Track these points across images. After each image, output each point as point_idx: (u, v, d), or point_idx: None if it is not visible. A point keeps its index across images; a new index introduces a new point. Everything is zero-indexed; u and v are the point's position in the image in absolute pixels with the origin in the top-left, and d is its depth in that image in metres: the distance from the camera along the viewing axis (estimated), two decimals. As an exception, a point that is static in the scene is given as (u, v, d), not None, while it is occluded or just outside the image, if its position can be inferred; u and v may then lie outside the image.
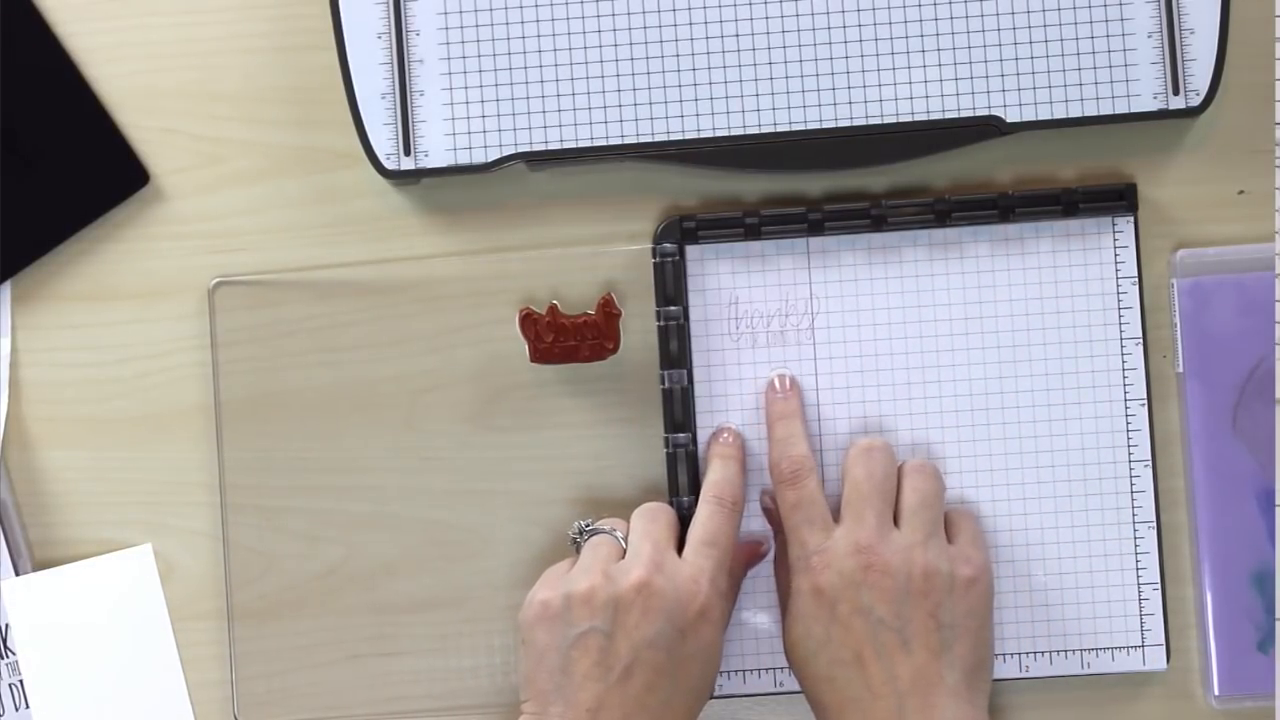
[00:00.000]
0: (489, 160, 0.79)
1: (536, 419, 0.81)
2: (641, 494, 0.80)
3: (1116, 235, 0.80)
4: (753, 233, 0.80)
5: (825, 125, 0.79)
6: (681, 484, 0.79)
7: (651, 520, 0.76)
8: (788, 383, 0.79)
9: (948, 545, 0.75)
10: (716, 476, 0.78)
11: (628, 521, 0.77)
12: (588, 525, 0.77)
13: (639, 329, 0.81)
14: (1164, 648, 0.79)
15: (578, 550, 0.77)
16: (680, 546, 0.76)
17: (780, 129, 0.79)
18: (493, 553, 0.81)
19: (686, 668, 0.73)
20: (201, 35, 0.82)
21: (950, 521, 0.77)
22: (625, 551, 0.75)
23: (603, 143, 0.79)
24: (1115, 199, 0.79)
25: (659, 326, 0.80)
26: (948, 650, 0.73)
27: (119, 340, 0.82)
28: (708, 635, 0.73)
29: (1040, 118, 0.79)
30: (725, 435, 0.79)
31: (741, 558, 0.79)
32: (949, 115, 0.79)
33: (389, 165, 0.80)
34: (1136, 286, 0.80)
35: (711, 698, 0.79)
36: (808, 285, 0.80)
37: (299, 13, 0.82)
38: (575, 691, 0.71)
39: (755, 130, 0.79)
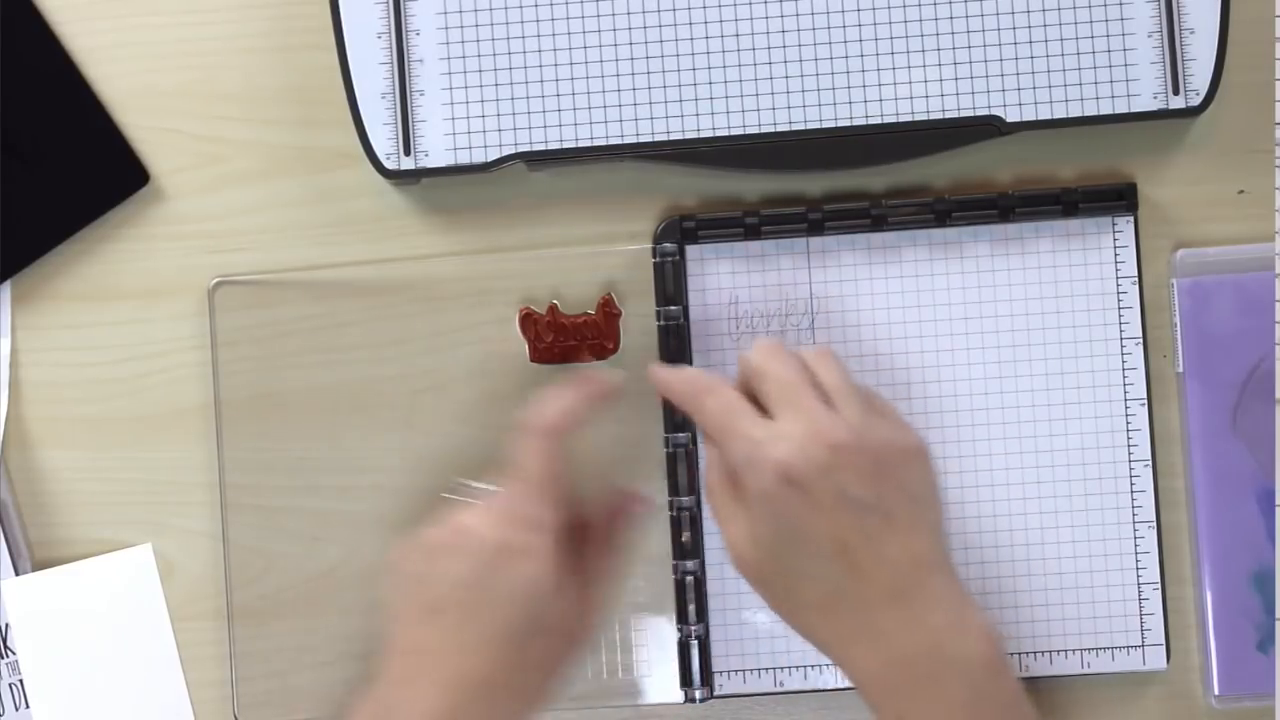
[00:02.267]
0: (489, 160, 0.79)
1: (536, 419, 0.81)
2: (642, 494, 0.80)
3: (1116, 235, 0.80)
4: (753, 233, 0.80)
5: (825, 125, 0.79)
6: (681, 484, 0.79)
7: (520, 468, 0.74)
8: (660, 365, 0.77)
9: (882, 418, 0.71)
10: (539, 402, 0.74)
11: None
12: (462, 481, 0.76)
13: (639, 329, 0.81)
14: (1164, 648, 0.79)
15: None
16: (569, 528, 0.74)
17: (780, 129, 0.79)
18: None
19: (500, 604, 0.70)
20: (201, 35, 0.82)
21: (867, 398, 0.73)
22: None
23: (603, 143, 0.79)
24: (1115, 199, 0.79)
25: (659, 326, 0.80)
26: (922, 520, 0.69)
27: (119, 340, 0.82)
28: (522, 570, 0.70)
29: (1040, 118, 0.79)
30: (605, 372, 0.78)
31: (623, 504, 0.77)
32: (949, 115, 0.79)
33: (389, 165, 0.80)
34: (1136, 286, 0.80)
35: (713, 696, 0.79)
36: (808, 285, 0.80)
37: (299, 13, 0.82)
38: (393, 636, 0.72)
39: (755, 130, 0.79)
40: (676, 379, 0.74)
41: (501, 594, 0.70)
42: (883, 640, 0.68)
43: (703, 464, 0.75)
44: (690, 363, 0.80)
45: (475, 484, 0.76)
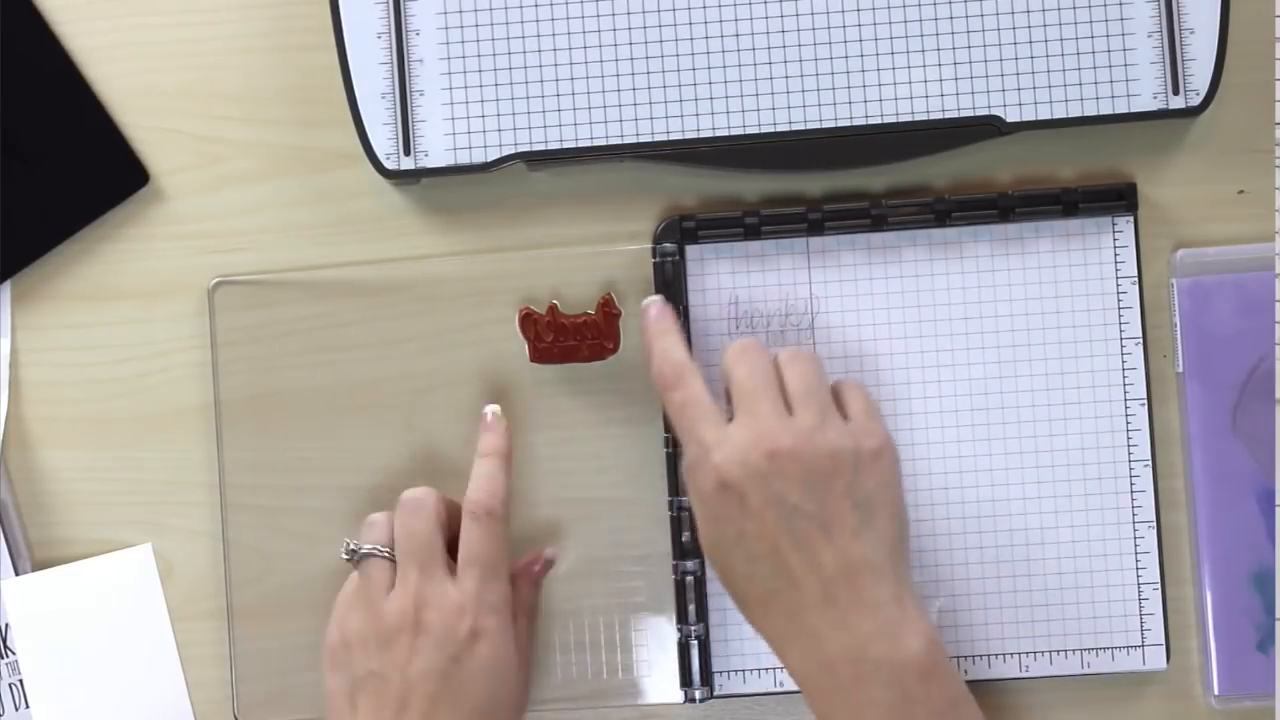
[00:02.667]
0: (489, 160, 0.79)
1: (536, 419, 0.81)
2: (642, 494, 0.80)
3: (1116, 235, 0.80)
4: (753, 233, 0.80)
5: (825, 125, 0.79)
6: (682, 484, 0.79)
7: (410, 535, 0.74)
8: (659, 306, 0.77)
9: (844, 422, 0.73)
10: (473, 485, 0.76)
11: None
12: (354, 546, 0.75)
13: (639, 329, 0.80)
14: (1164, 648, 0.79)
15: (353, 564, 0.76)
16: (453, 535, 0.75)
17: (780, 129, 0.79)
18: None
19: (468, 689, 0.72)
20: (201, 35, 0.82)
21: (840, 397, 0.74)
22: (396, 572, 0.74)
23: (603, 143, 0.79)
24: (1115, 199, 0.79)
25: (659, 326, 0.80)
26: (867, 527, 0.70)
27: (119, 340, 0.82)
28: (485, 654, 0.72)
29: (1040, 118, 0.79)
30: (488, 417, 0.78)
31: (525, 568, 0.78)
32: (949, 115, 0.79)
33: (389, 165, 0.80)
34: (1136, 286, 0.80)
35: (713, 696, 0.79)
36: (808, 285, 0.81)
37: (299, 13, 0.82)
38: None
39: (755, 130, 0.79)
40: (658, 356, 0.75)
41: (470, 681, 0.72)
42: (813, 643, 0.70)
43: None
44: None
45: (373, 548, 0.75)
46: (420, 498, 0.75)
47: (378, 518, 0.76)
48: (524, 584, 0.78)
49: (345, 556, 0.76)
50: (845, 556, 0.70)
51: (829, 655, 0.70)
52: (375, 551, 0.75)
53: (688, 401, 0.73)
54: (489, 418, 0.78)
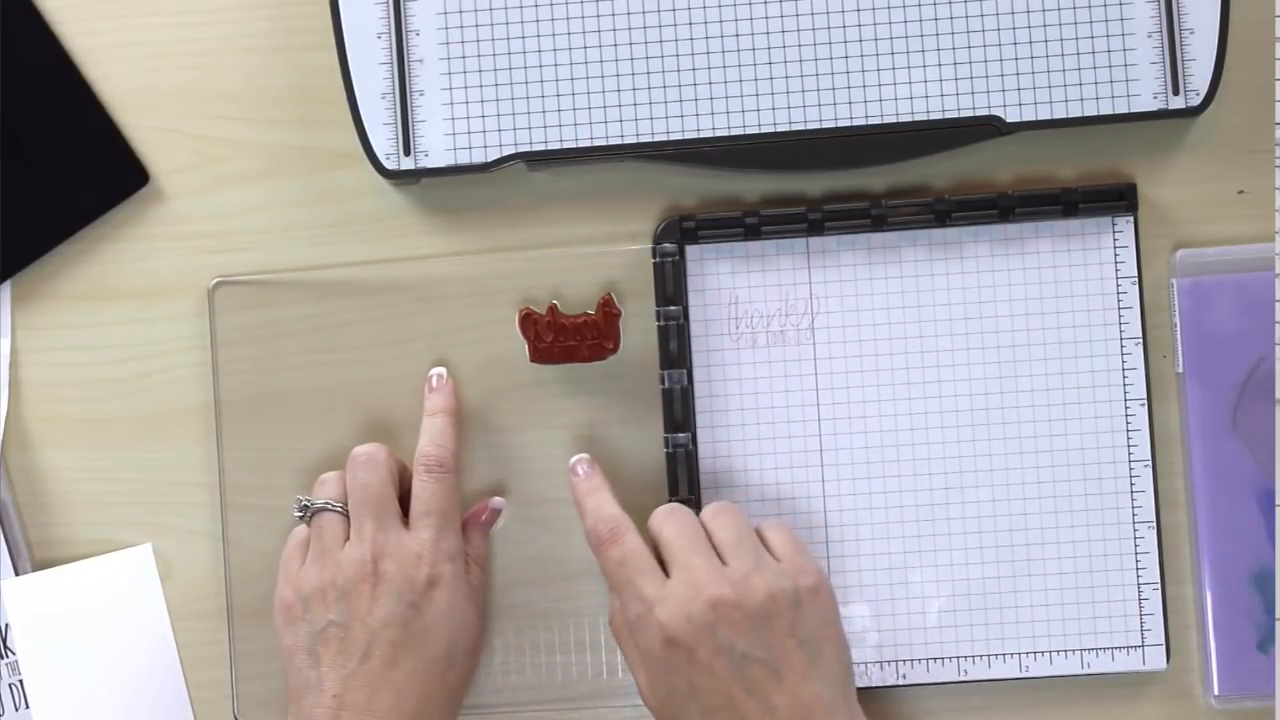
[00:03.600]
0: (489, 160, 0.79)
1: (536, 419, 0.81)
2: (641, 494, 0.80)
3: (1116, 235, 0.80)
4: (753, 233, 0.80)
5: (825, 125, 0.79)
6: (681, 484, 0.79)
7: (364, 488, 0.76)
8: (587, 466, 0.79)
9: (777, 563, 0.74)
10: (423, 440, 0.78)
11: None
12: (307, 501, 0.77)
13: (639, 329, 0.81)
14: (1164, 648, 0.79)
15: (305, 521, 0.78)
16: (405, 493, 0.77)
17: (780, 129, 0.79)
18: (493, 553, 0.81)
19: (426, 636, 0.74)
20: (201, 35, 0.82)
21: (765, 540, 0.75)
22: (350, 526, 0.76)
23: (603, 143, 0.79)
24: (1115, 199, 0.79)
25: (659, 326, 0.80)
26: (815, 665, 0.71)
27: (119, 340, 0.82)
28: (442, 600, 0.75)
29: (1040, 118, 0.79)
30: (434, 380, 0.80)
31: (474, 517, 0.80)
32: (949, 115, 0.79)
33: (389, 165, 0.80)
34: (1136, 286, 0.80)
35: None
36: (808, 285, 0.81)
37: (299, 13, 0.82)
38: (321, 681, 0.74)
39: (755, 130, 0.79)
40: (590, 514, 0.76)
41: (429, 627, 0.75)
42: None
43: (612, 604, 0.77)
44: (690, 363, 0.80)
45: (320, 500, 0.77)
46: (372, 452, 0.77)
47: (329, 476, 0.78)
48: (474, 533, 0.79)
49: (298, 513, 0.78)
50: (798, 697, 0.71)
51: None
52: (328, 506, 0.77)
53: (625, 557, 0.74)
54: (435, 380, 0.80)
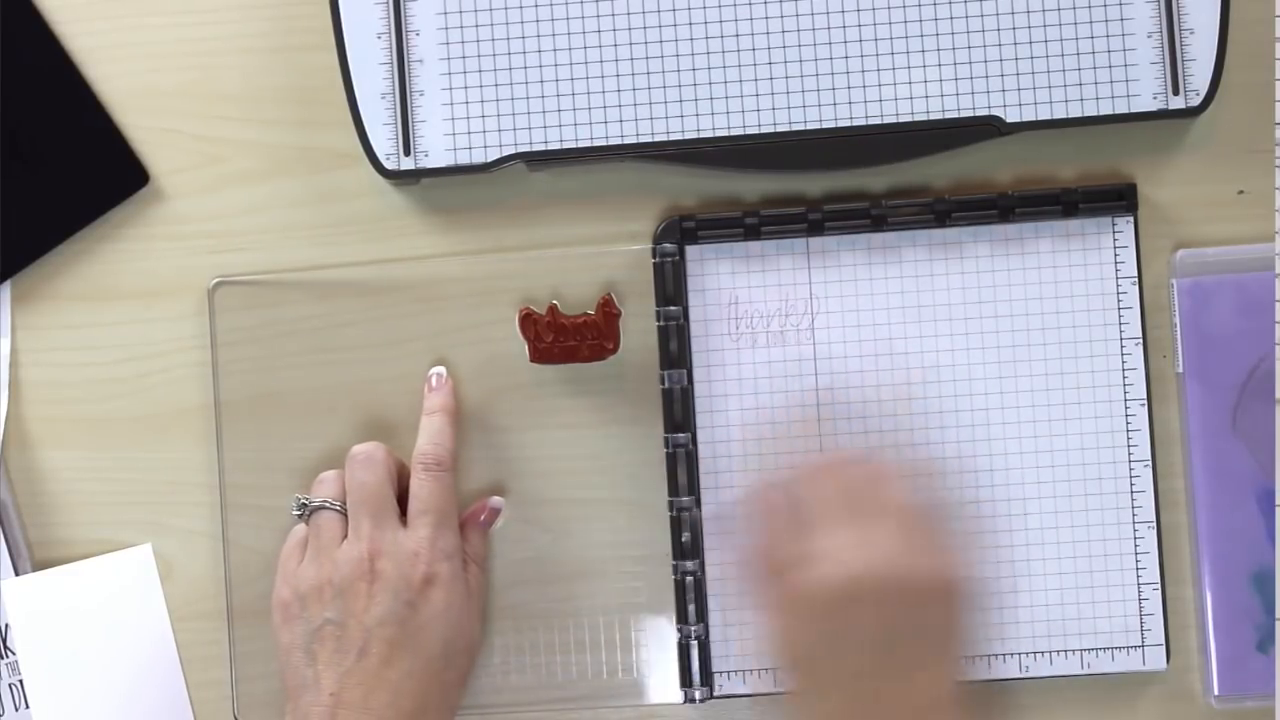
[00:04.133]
0: (489, 160, 0.79)
1: (536, 419, 0.81)
2: (642, 494, 0.80)
3: (1116, 235, 0.80)
4: (753, 233, 0.80)
5: (825, 125, 0.79)
6: (681, 484, 0.79)
7: (362, 486, 0.76)
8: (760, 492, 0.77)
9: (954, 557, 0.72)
10: (421, 439, 0.78)
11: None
12: (305, 500, 0.78)
13: (639, 329, 0.80)
14: (1164, 648, 0.79)
15: (304, 520, 0.78)
16: (403, 490, 0.77)
17: (780, 129, 0.79)
18: (492, 553, 0.81)
19: (423, 635, 0.74)
20: (201, 35, 0.82)
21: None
22: (348, 525, 0.76)
23: (603, 143, 0.79)
24: (1115, 199, 0.79)
25: (659, 326, 0.80)
26: (951, 660, 0.70)
27: (119, 340, 0.82)
28: (439, 599, 0.75)
29: (1040, 118, 0.79)
30: (434, 379, 0.80)
31: (472, 517, 0.79)
32: (949, 115, 0.79)
33: (389, 165, 0.80)
34: (1136, 286, 0.80)
35: (713, 696, 0.79)
36: (808, 285, 0.80)
37: (299, 13, 0.82)
38: (318, 679, 0.74)
39: (755, 130, 0.79)
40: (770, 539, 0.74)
41: (425, 626, 0.75)
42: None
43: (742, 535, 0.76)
44: (690, 363, 0.80)
45: (324, 502, 0.77)
46: (370, 451, 0.77)
47: (328, 474, 0.78)
48: (473, 533, 0.79)
49: (296, 512, 0.78)
50: (935, 685, 0.69)
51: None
52: (326, 505, 0.77)
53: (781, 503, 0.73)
54: (434, 380, 0.80)
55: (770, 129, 0.79)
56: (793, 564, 0.70)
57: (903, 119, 0.79)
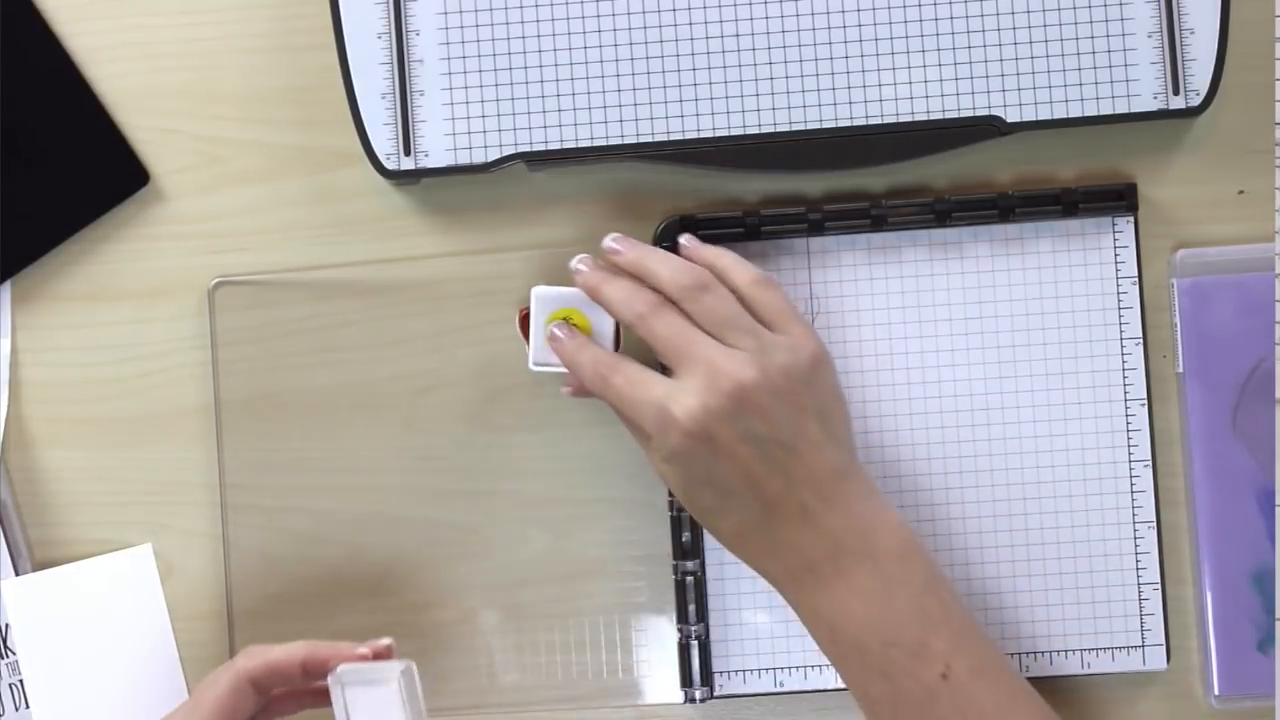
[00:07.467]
0: (489, 160, 0.80)
1: (536, 419, 0.81)
2: (642, 494, 0.80)
3: (1116, 235, 0.80)
4: (753, 233, 0.80)
5: (825, 125, 0.79)
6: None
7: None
8: (568, 330, 0.76)
9: (778, 338, 0.72)
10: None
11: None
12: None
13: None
14: (1164, 648, 0.80)
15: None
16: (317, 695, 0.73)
17: (780, 129, 0.79)
18: (493, 553, 0.81)
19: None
20: (201, 35, 0.82)
21: (752, 304, 0.73)
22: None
23: (603, 143, 0.79)
24: (1115, 199, 0.80)
25: (659, 326, 0.80)
26: (828, 434, 0.72)
27: (119, 340, 0.82)
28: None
29: (1040, 118, 0.79)
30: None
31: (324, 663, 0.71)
32: (949, 115, 0.79)
33: (389, 165, 0.80)
34: (1136, 286, 0.80)
35: (713, 696, 0.79)
36: (808, 285, 0.81)
37: (299, 13, 0.82)
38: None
39: (755, 130, 0.79)
40: (585, 366, 0.74)
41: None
42: (793, 552, 0.72)
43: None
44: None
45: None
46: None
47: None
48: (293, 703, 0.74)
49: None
50: (816, 469, 0.72)
51: (810, 558, 0.72)
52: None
53: (630, 378, 0.73)
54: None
55: (770, 129, 0.79)
56: (656, 426, 0.71)
57: (903, 119, 0.79)
